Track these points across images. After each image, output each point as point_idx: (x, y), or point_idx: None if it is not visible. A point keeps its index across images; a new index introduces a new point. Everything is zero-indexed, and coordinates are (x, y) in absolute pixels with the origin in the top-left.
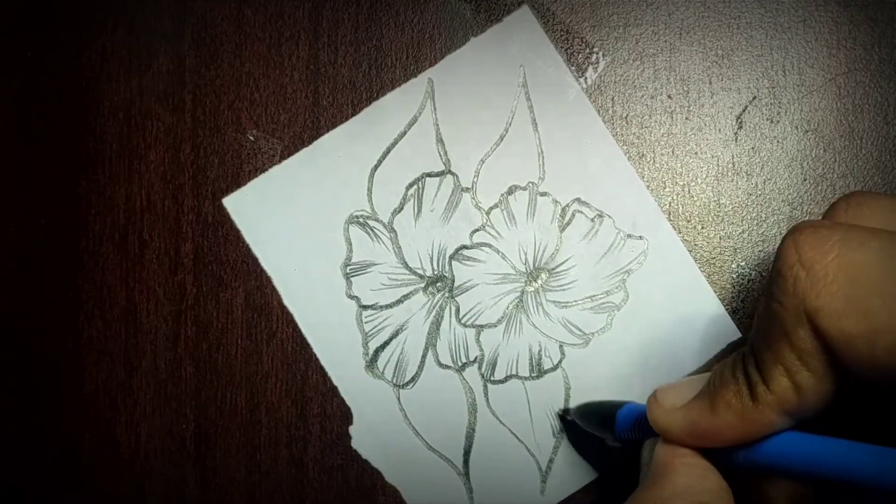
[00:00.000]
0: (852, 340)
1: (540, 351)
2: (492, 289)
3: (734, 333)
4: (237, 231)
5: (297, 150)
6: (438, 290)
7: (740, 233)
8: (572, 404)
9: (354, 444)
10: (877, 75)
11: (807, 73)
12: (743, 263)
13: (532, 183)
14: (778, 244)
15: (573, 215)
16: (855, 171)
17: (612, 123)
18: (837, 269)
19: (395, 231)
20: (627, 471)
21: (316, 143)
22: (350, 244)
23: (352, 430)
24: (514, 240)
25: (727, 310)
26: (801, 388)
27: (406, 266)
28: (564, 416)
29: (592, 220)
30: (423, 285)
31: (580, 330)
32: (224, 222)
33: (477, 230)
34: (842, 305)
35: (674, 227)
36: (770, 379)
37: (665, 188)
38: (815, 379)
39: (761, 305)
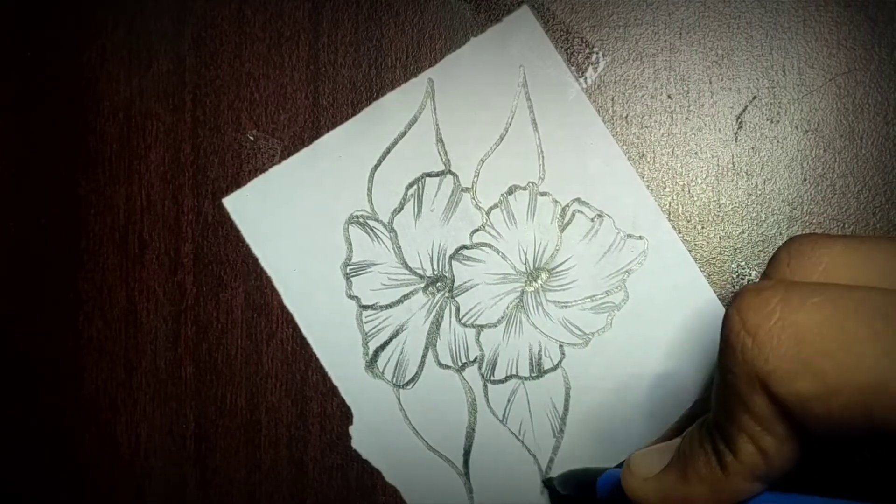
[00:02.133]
0: (807, 402)
1: (540, 351)
2: (492, 289)
3: None
4: (237, 231)
5: (297, 150)
6: (438, 290)
7: (740, 233)
8: (571, 408)
9: (354, 444)
10: (877, 75)
11: (807, 73)
12: (743, 263)
13: (532, 183)
14: (779, 245)
15: (573, 215)
16: (855, 171)
17: (612, 123)
18: (781, 332)
19: (395, 231)
20: None
21: (316, 143)
22: (350, 244)
23: (352, 430)
24: (514, 240)
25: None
26: (767, 452)
27: (406, 266)
28: (548, 485)
29: (592, 220)
30: (423, 285)
31: (580, 330)
32: (224, 222)
33: (477, 230)
34: (792, 367)
35: (674, 227)
36: (736, 448)
37: (665, 188)
38: (778, 442)
39: (717, 378)
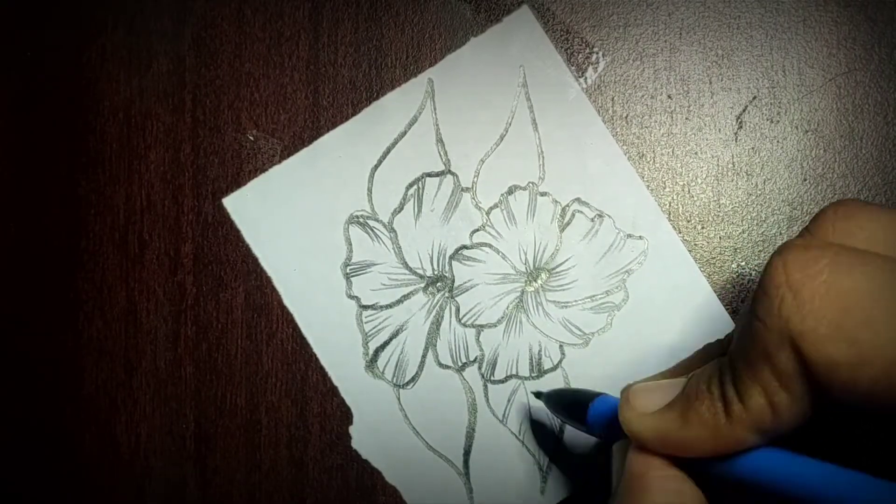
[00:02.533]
0: (836, 368)
1: (540, 351)
2: (492, 289)
3: None
4: (237, 231)
5: (297, 150)
6: (438, 290)
7: (740, 233)
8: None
9: (354, 444)
10: (877, 75)
11: (807, 73)
12: (743, 263)
13: (532, 183)
14: (778, 245)
15: (573, 215)
16: (855, 171)
17: (612, 123)
18: (825, 294)
19: (395, 231)
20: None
21: (316, 143)
22: (350, 244)
23: (352, 430)
24: (514, 240)
25: (727, 310)
26: (778, 408)
27: (406, 266)
28: (538, 397)
29: (592, 220)
30: (423, 285)
31: (580, 330)
32: (224, 222)
33: (477, 230)
34: (828, 332)
35: (674, 227)
36: (746, 397)
37: (665, 188)
38: (792, 400)
39: (744, 321)
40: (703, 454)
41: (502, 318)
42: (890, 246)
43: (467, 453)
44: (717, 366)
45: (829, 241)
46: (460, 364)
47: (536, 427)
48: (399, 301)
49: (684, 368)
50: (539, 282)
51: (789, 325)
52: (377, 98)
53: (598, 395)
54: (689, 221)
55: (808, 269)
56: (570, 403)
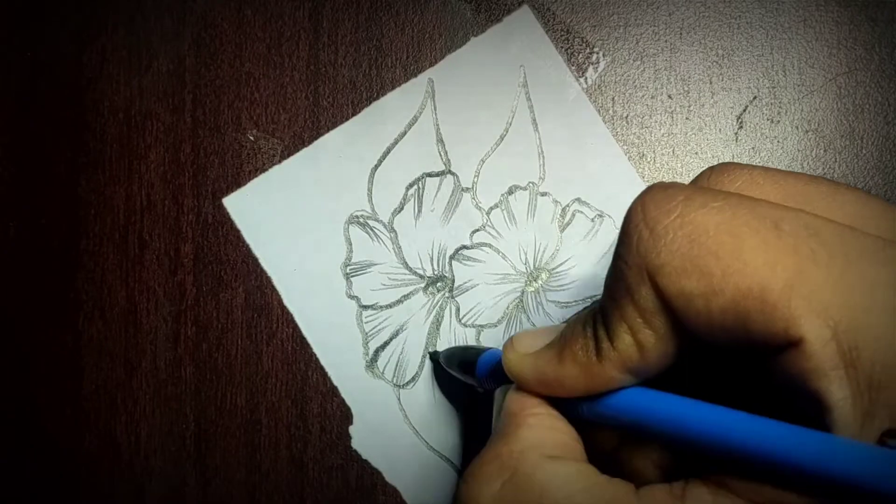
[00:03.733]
0: (691, 300)
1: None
2: (492, 289)
3: None
4: (237, 231)
5: (297, 150)
6: (438, 290)
7: None
8: None
9: (354, 444)
10: (877, 75)
11: (807, 73)
12: None
13: (532, 183)
14: None
15: (573, 215)
16: (855, 171)
17: (613, 123)
18: (678, 228)
19: (395, 231)
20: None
21: (316, 143)
22: (350, 244)
23: (352, 430)
24: (515, 240)
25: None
26: (644, 346)
27: (406, 266)
28: (433, 357)
29: (592, 220)
30: (423, 285)
31: None
32: (224, 222)
33: (477, 230)
34: (681, 264)
35: None
36: (614, 336)
37: None
38: (657, 338)
39: (610, 266)
40: (576, 393)
41: (502, 318)
42: (761, 194)
43: (467, 453)
44: (592, 309)
45: (687, 184)
46: None
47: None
48: (399, 301)
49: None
50: (539, 282)
51: (646, 260)
52: (377, 98)
53: (487, 349)
54: None
55: (664, 206)
56: (462, 360)
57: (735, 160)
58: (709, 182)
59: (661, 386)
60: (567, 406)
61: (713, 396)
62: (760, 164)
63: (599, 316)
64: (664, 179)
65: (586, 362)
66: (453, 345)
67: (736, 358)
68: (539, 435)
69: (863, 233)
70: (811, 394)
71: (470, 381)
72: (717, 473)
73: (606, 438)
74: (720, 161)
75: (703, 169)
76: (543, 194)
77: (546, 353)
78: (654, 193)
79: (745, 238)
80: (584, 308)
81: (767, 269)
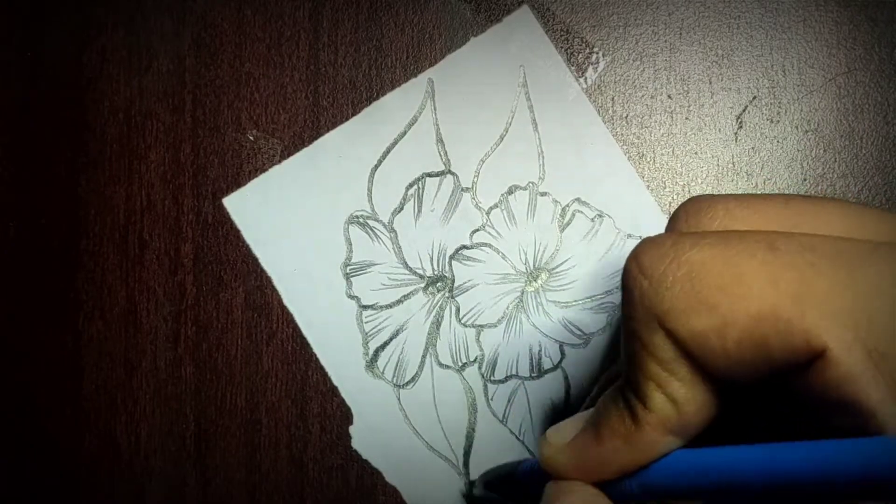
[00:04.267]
0: (703, 338)
1: (540, 351)
2: (492, 289)
3: None
4: (237, 231)
5: (297, 150)
6: (438, 290)
7: None
8: (571, 408)
9: (354, 444)
10: (877, 75)
11: (807, 73)
12: None
13: (532, 183)
14: None
15: (573, 215)
16: (855, 171)
17: (612, 123)
18: (676, 270)
19: (395, 231)
20: None
21: (316, 143)
22: (350, 244)
23: (352, 430)
24: (514, 240)
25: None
26: (676, 399)
27: (406, 266)
28: (471, 493)
29: (592, 220)
30: (423, 285)
31: (580, 330)
32: (224, 222)
33: (477, 230)
34: (686, 305)
35: None
36: (646, 397)
37: (665, 188)
38: (686, 387)
39: (622, 330)
40: (621, 469)
41: (502, 318)
42: (744, 227)
43: (467, 453)
44: (620, 382)
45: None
46: (460, 364)
47: (537, 427)
48: (399, 301)
49: (592, 402)
50: (539, 282)
51: (653, 308)
52: (377, 98)
53: (521, 461)
54: None
55: (656, 253)
56: (502, 477)
57: (735, 160)
58: (687, 224)
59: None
60: (613, 490)
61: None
62: (729, 194)
63: (627, 384)
64: (664, 179)
65: (625, 433)
66: (486, 470)
67: (770, 396)
68: (581, 500)
69: (854, 240)
70: (848, 402)
71: (517, 499)
72: None
73: None
74: (718, 162)
75: (675, 210)
76: (543, 194)
77: (583, 437)
78: (645, 245)
79: (743, 264)
80: (602, 385)
81: (772, 288)
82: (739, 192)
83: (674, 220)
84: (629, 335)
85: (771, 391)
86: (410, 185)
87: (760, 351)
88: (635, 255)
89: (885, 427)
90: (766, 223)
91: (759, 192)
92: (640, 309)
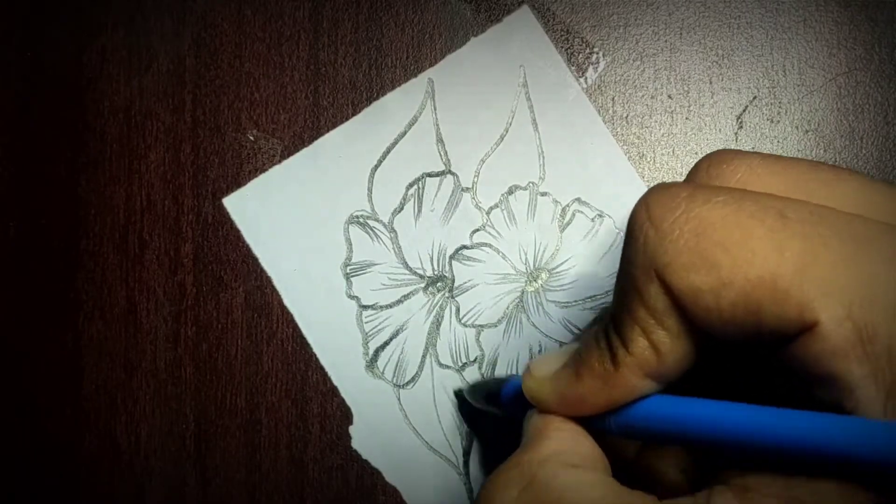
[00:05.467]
0: (700, 295)
1: (540, 351)
2: (492, 289)
3: None
4: (237, 231)
5: (297, 150)
6: (438, 290)
7: None
8: None
9: (354, 444)
10: (877, 75)
11: (807, 73)
12: None
13: (532, 183)
14: None
15: (573, 215)
16: None
17: (613, 123)
18: (684, 224)
19: (395, 231)
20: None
21: (316, 143)
22: (350, 244)
23: (352, 430)
24: (515, 240)
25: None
26: (659, 348)
27: (406, 266)
28: (459, 395)
29: (592, 220)
30: (423, 285)
31: (580, 330)
32: (224, 222)
33: (477, 230)
34: (688, 260)
35: None
36: (628, 341)
37: None
38: (671, 338)
39: (619, 270)
40: (600, 408)
41: (502, 318)
42: (763, 185)
43: (467, 453)
44: (604, 320)
45: (690, 181)
46: (460, 364)
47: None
48: (399, 301)
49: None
50: (539, 282)
51: (654, 259)
52: (377, 98)
53: (509, 378)
54: None
55: (668, 204)
56: (487, 392)
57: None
58: (707, 173)
59: (682, 392)
60: (593, 423)
61: (733, 398)
62: (755, 151)
63: (611, 324)
64: (664, 179)
65: (604, 373)
66: (476, 379)
67: (751, 355)
68: (561, 445)
69: (867, 218)
70: (830, 377)
71: (497, 412)
72: (742, 475)
73: (628, 446)
74: None
75: (699, 160)
76: (543, 194)
77: (564, 372)
78: (657, 193)
79: (751, 228)
80: (595, 319)
81: (776, 256)
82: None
83: (695, 169)
84: (625, 277)
85: (755, 352)
86: (410, 185)
87: (753, 316)
88: (646, 201)
89: (860, 405)
90: (786, 186)
91: None
92: (641, 256)
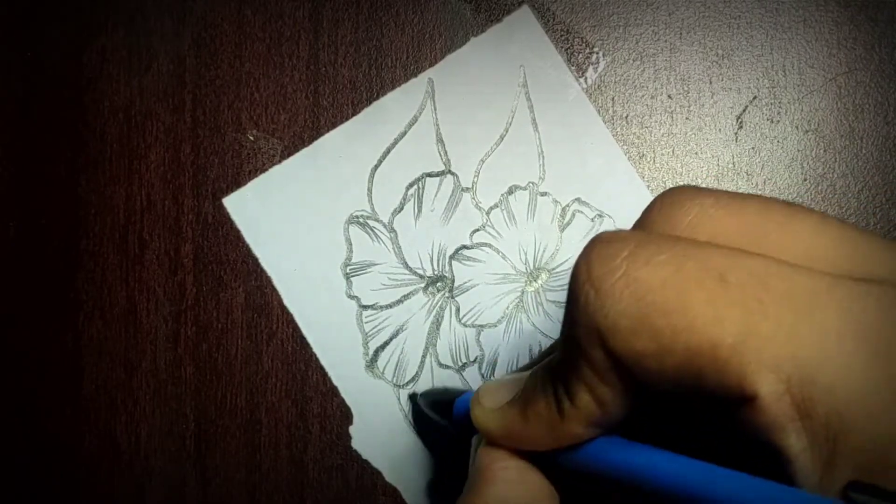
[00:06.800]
0: (643, 359)
1: (540, 351)
2: (492, 289)
3: None
4: (237, 231)
5: (297, 150)
6: (438, 290)
7: None
8: None
9: (354, 444)
10: (877, 75)
11: (807, 73)
12: None
13: (532, 183)
14: None
15: (573, 215)
16: (855, 171)
17: (613, 123)
18: (624, 288)
19: (395, 231)
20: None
21: (316, 143)
22: (350, 244)
23: (352, 430)
24: (515, 240)
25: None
26: (603, 401)
27: (406, 266)
28: (413, 400)
29: (592, 220)
30: (423, 285)
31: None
32: (224, 222)
33: (477, 230)
34: (629, 325)
35: None
36: (573, 396)
37: (665, 188)
38: (614, 393)
39: (563, 325)
40: (545, 448)
41: (502, 318)
42: (715, 227)
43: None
44: (549, 365)
45: (634, 232)
46: (460, 364)
47: None
48: (399, 301)
49: (530, 366)
50: (539, 282)
51: (595, 321)
52: (377, 98)
53: (462, 391)
54: None
55: (609, 264)
56: (439, 403)
57: (735, 160)
58: (659, 215)
59: (633, 425)
60: (540, 456)
61: (681, 438)
62: (711, 188)
63: (557, 375)
64: (664, 179)
65: (549, 420)
66: (432, 386)
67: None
68: (505, 491)
69: (812, 272)
70: (771, 446)
71: (448, 426)
72: None
73: None
74: (718, 162)
75: (654, 199)
76: (543, 194)
77: (510, 409)
78: (598, 248)
79: (691, 293)
80: (544, 353)
81: (716, 325)
82: (740, 192)
83: (648, 210)
84: (569, 335)
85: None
86: (410, 185)
87: (694, 381)
88: (587, 258)
89: (797, 476)
90: (738, 228)
91: (758, 192)
92: (583, 317)
